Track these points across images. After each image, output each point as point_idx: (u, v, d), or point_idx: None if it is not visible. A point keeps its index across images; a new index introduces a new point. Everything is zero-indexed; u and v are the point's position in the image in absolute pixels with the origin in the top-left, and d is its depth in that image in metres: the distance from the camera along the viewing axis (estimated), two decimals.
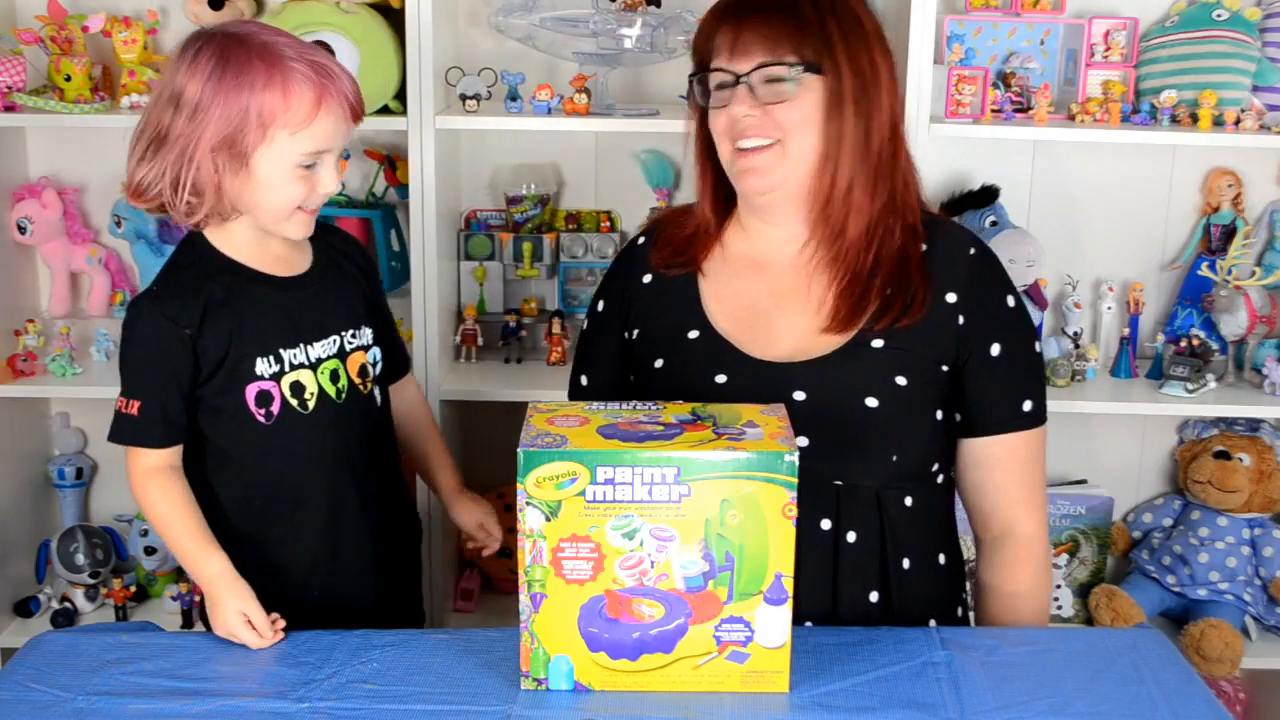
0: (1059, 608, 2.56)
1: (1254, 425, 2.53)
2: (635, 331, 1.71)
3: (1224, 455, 2.51)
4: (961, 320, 1.61)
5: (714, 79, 1.59)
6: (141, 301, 1.57)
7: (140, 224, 2.45)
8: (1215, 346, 2.43)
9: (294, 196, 1.53)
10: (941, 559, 1.65)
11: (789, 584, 1.31)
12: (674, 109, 2.37)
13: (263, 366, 1.56)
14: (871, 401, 1.56)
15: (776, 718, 1.30)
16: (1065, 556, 2.54)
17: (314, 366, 1.60)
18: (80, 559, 2.50)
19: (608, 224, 2.57)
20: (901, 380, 1.58)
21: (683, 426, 1.33)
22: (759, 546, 1.29)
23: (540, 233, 2.50)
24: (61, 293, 2.53)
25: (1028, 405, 1.65)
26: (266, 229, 1.58)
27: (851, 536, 1.56)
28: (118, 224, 2.46)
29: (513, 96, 2.29)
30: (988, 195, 2.43)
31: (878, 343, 1.59)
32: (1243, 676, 2.54)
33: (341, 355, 1.62)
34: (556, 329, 2.49)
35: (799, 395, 1.56)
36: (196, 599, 2.46)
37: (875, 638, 1.46)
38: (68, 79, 2.31)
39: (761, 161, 1.57)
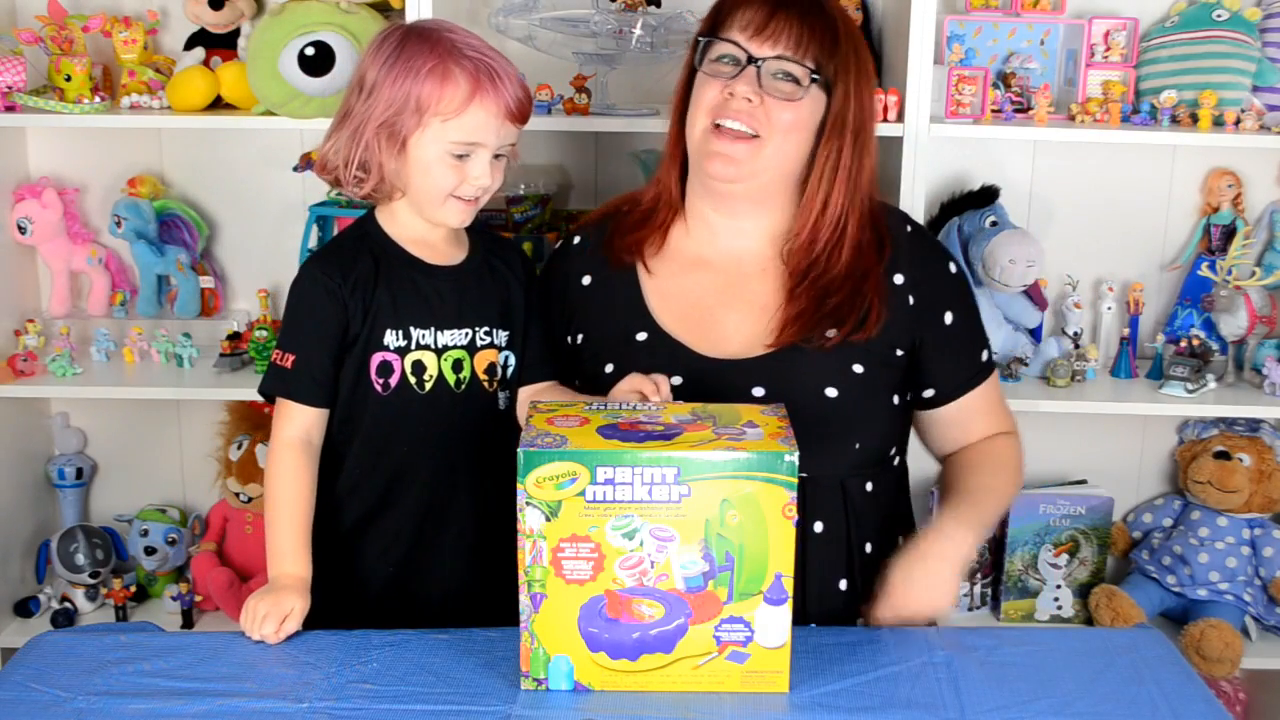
0: (1059, 608, 2.56)
1: (1254, 425, 2.53)
2: (579, 336, 1.71)
3: (1224, 455, 2.51)
4: (912, 300, 1.65)
5: (721, 49, 1.59)
6: (306, 263, 1.66)
7: (140, 224, 2.45)
8: (1215, 347, 2.43)
9: (445, 183, 1.58)
10: (900, 540, 1.68)
11: (789, 584, 1.31)
12: None
13: (390, 338, 1.61)
14: (831, 392, 1.58)
15: (776, 718, 1.30)
16: (1065, 556, 2.54)
17: (440, 351, 1.63)
18: (80, 559, 2.50)
19: None
20: (858, 368, 1.60)
21: (683, 427, 1.33)
22: (759, 547, 1.29)
23: (540, 233, 2.50)
24: (61, 293, 2.53)
25: (984, 356, 1.72)
26: (425, 214, 1.63)
27: (819, 527, 1.57)
28: (118, 224, 2.46)
29: None
30: (988, 195, 2.43)
31: (832, 332, 1.61)
32: (1243, 676, 2.54)
33: (471, 349, 1.65)
34: None
35: (758, 391, 1.58)
36: (197, 599, 2.47)
37: (875, 638, 1.46)
38: (68, 79, 2.31)
39: (738, 151, 1.58)
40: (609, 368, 1.65)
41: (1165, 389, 2.37)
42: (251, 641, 1.46)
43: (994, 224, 2.40)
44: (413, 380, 1.62)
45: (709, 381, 1.59)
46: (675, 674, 1.33)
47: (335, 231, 2.34)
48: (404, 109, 1.55)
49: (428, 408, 1.63)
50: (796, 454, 1.28)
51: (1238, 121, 2.29)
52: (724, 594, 1.31)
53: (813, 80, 1.57)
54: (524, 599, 1.32)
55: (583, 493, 1.28)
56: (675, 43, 2.25)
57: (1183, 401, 2.34)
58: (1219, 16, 2.36)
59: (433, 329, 1.63)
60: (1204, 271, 2.43)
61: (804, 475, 1.55)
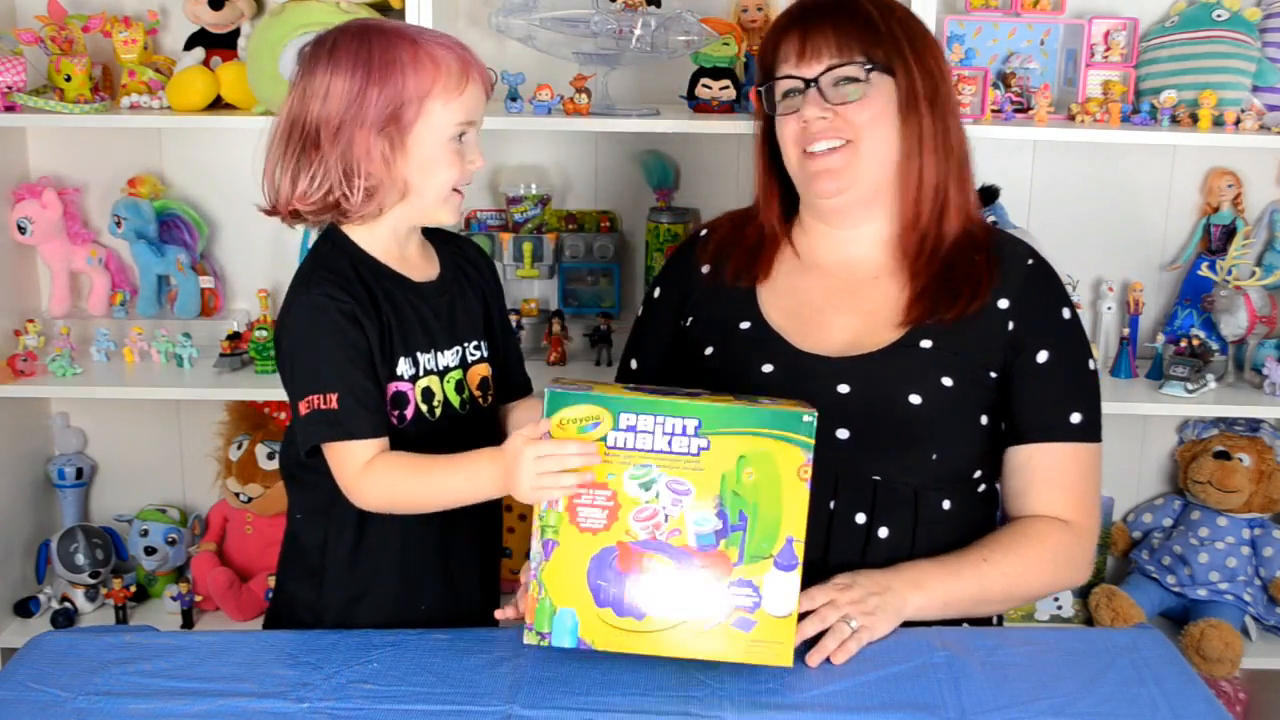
0: (1059, 608, 2.56)
1: (1254, 425, 2.53)
2: (690, 319, 1.75)
3: (1224, 455, 2.51)
4: (1011, 326, 1.63)
5: (782, 86, 1.64)
6: (299, 293, 1.49)
7: (140, 224, 2.45)
8: (1215, 346, 2.43)
9: (449, 176, 1.51)
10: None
11: (800, 549, 1.31)
12: (674, 109, 2.37)
13: (403, 367, 1.52)
14: (914, 399, 1.57)
15: (777, 718, 1.30)
16: None
17: (442, 374, 1.57)
18: (80, 559, 2.50)
19: (607, 224, 2.57)
20: (947, 381, 1.59)
21: (704, 394, 1.36)
22: (773, 507, 1.30)
23: (540, 233, 2.50)
24: (61, 293, 2.53)
25: (1076, 418, 1.63)
26: (426, 214, 1.54)
27: (884, 532, 1.56)
28: (118, 224, 2.46)
29: (513, 96, 2.29)
30: (988, 195, 2.42)
31: (926, 343, 1.61)
32: (1243, 676, 2.54)
33: (464, 366, 1.60)
34: (556, 329, 2.50)
35: (843, 388, 1.58)
36: (197, 599, 2.47)
37: None
38: (68, 79, 2.31)
39: (835, 162, 1.61)
40: (709, 350, 1.69)
41: (1165, 389, 2.37)
42: (251, 642, 1.46)
43: (994, 224, 2.40)
44: (424, 409, 1.54)
45: (799, 374, 1.60)
46: (680, 636, 1.33)
47: None
48: (402, 102, 1.46)
49: (441, 434, 1.53)
50: (815, 415, 1.30)
51: (1238, 121, 2.29)
52: (735, 554, 1.31)
53: (869, 71, 1.60)
54: (535, 546, 1.32)
55: (604, 438, 1.29)
56: (675, 43, 2.26)
57: (1183, 401, 2.34)
58: (1219, 16, 2.36)
59: (433, 351, 1.55)
60: (1204, 271, 2.43)
61: (876, 479, 1.56)
